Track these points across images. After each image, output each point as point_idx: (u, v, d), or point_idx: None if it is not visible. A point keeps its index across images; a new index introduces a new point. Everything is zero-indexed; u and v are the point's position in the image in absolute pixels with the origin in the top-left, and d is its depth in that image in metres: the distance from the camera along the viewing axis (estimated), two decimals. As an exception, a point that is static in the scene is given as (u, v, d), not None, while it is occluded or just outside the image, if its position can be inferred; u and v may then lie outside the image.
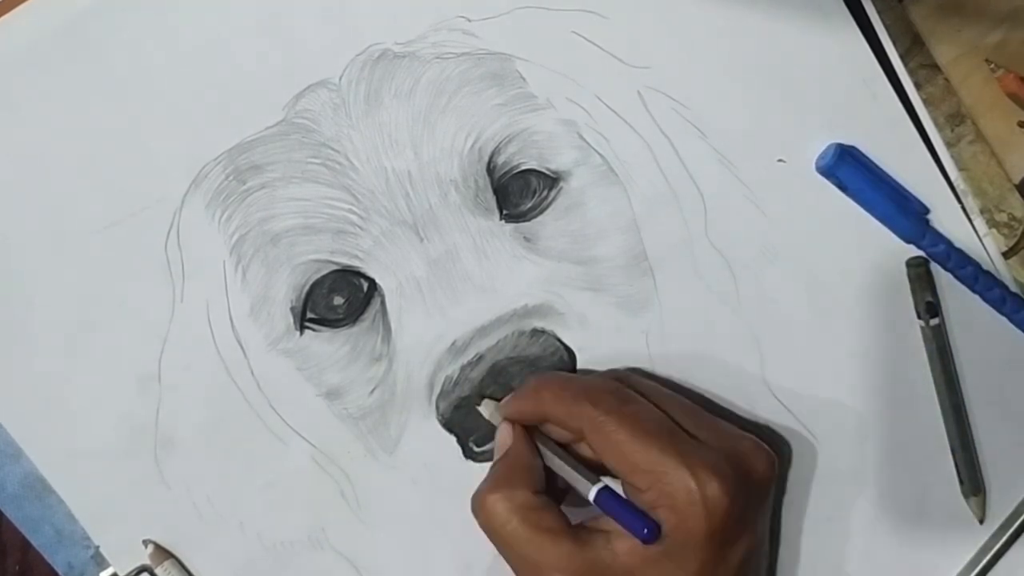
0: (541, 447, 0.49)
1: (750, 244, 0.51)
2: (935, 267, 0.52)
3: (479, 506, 0.48)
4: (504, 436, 0.50)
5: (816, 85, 0.51)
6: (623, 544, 0.46)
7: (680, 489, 0.45)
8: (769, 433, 0.53)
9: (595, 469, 0.48)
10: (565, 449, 0.49)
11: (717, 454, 0.46)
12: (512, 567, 0.47)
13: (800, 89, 0.51)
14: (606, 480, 0.47)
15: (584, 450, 0.49)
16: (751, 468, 0.47)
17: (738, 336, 0.52)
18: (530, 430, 0.50)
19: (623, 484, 0.47)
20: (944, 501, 0.54)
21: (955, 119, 0.51)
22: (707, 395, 0.52)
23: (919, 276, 0.51)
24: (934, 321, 0.51)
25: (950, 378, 0.52)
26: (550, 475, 0.49)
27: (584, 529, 0.47)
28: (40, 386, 0.50)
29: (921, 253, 0.51)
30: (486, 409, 0.51)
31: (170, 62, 0.48)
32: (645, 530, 0.45)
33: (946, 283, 0.52)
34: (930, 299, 0.51)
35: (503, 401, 0.51)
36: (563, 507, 0.48)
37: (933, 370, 0.52)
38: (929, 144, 0.51)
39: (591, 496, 0.46)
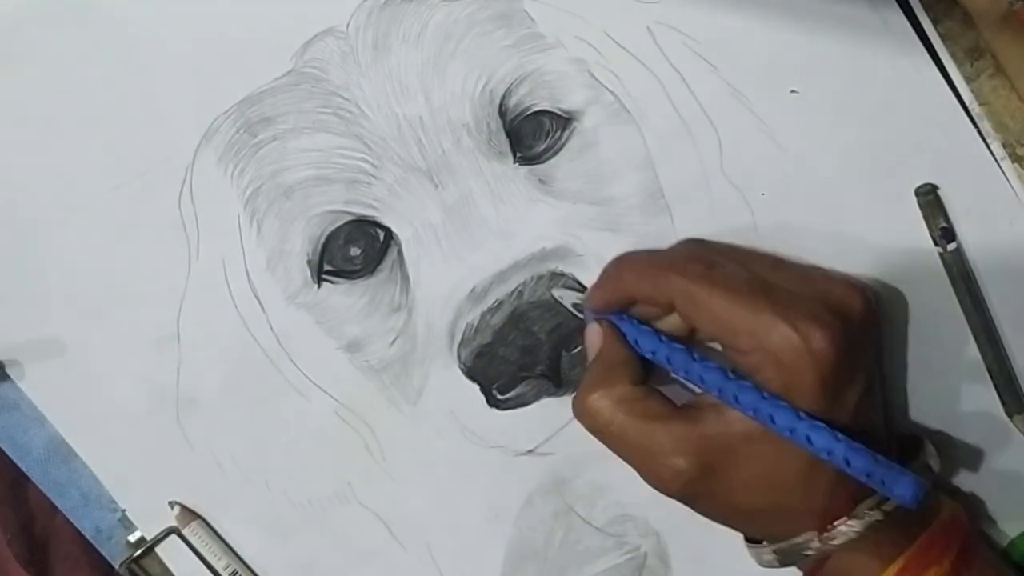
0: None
1: (766, 177, 0.51)
2: (945, 193, 0.51)
3: (581, 408, 0.47)
4: (593, 337, 0.48)
5: (825, 13, 0.50)
6: (735, 412, 0.44)
7: (784, 346, 0.43)
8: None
9: (687, 340, 0.47)
10: (652, 325, 0.48)
11: (813, 302, 0.44)
12: (629, 463, 0.46)
13: (810, 18, 0.50)
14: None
15: (671, 323, 0.47)
16: (850, 309, 0.45)
17: (759, 271, 0.51)
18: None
19: (724, 349, 0.46)
20: (984, 424, 0.53)
21: (974, 53, 0.51)
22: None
23: (929, 203, 0.51)
24: (951, 246, 0.51)
25: (976, 300, 0.51)
26: (646, 365, 0.48)
27: (691, 408, 0.46)
28: (59, 350, 0.50)
29: (929, 180, 0.51)
30: (561, 295, 0.50)
31: (175, 16, 0.48)
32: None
33: (958, 209, 0.51)
34: (944, 224, 0.51)
35: (586, 294, 0.49)
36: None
37: (958, 294, 0.51)
38: (948, 79, 0.50)
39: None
